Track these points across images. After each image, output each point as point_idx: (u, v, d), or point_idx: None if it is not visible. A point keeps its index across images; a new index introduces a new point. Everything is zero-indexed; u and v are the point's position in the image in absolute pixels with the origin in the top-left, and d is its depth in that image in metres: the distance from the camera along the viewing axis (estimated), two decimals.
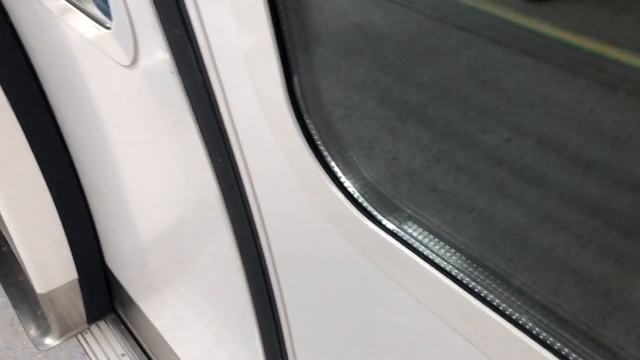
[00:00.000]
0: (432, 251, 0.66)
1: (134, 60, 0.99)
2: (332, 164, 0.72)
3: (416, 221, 0.68)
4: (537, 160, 0.53)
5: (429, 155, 0.65)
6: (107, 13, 1.11)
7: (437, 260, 0.65)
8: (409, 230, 0.68)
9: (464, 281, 0.63)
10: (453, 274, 0.63)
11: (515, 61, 0.51)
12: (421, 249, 0.66)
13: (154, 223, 1.57)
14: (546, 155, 0.53)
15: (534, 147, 0.53)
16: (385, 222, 0.69)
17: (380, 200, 0.70)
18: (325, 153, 0.72)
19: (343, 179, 0.71)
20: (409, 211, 0.69)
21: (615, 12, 0.43)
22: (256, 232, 1.00)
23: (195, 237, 1.33)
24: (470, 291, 0.61)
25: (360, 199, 0.71)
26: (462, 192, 0.63)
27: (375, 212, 0.70)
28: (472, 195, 0.62)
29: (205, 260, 1.35)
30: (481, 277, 0.63)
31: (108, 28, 1.03)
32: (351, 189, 0.72)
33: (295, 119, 0.70)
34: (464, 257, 0.63)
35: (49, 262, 1.99)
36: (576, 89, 0.48)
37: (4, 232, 2.26)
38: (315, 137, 0.72)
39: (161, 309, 1.90)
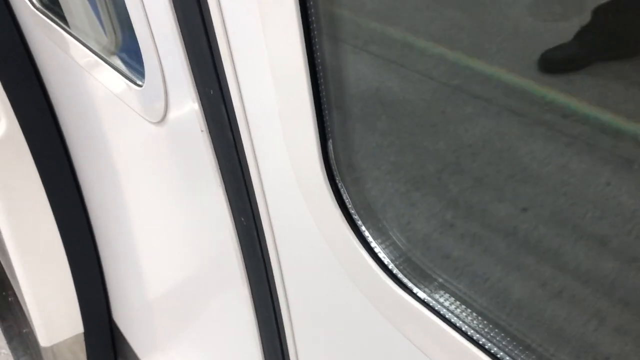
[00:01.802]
0: (465, 322, 0.64)
1: (163, 118, 1.00)
2: (363, 228, 0.72)
3: (448, 290, 0.67)
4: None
5: (462, 223, 0.65)
6: (137, 70, 1.14)
7: (470, 332, 0.63)
8: (441, 300, 0.67)
9: (499, 355, 0.61)
10: (487, 347, 0.62)
11: (530, 131, 0.52)
12: (454, 320, 0.65)
13: (166, 280, 1.55)
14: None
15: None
16: (416, 290, 0.68)
17: (412, 268, 0.69)
18: (357, 217, 0.72)
19: (374, 244, 0.71)
20: (440, 280, 0.68)
21: (631, 86, 0.44)
22: (275, 295, 0.98)
23: (210, 298, 1.31)
24: None
25: (391, 266, 0.70)
26: (497, 259, 0.62)
27: (405, 280, 0.69)
28: (509, 263, 0.61)
29: (218, 322, 1.33)
30: (516, 352, 0.61)
31: (139, 85, 1.05)
32: (382, 254, 0.71)
33: (328, 182, 0.70)
34: (502, 333, 0.62)
35: (55, 315, 1.97)
36: (592, 161, 0.49)
37: (12, 282, 2.24)
38: (347, 202, 0.72)
39: None
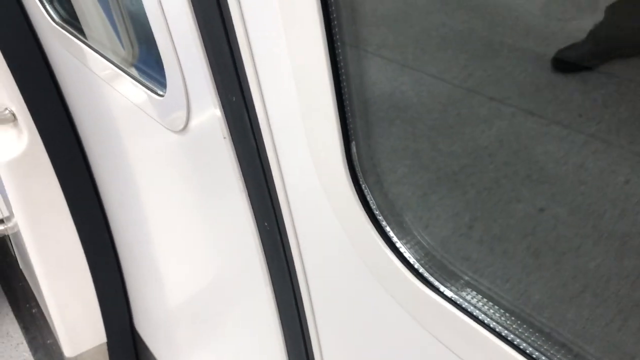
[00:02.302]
0: (493, 319, 0.64)
1: (185, 127, 1.02)
2: (388, 228, 0.72)
3: (475, 288, 0.67)
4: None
5: (482, 222, 0.65)
6: (156, 80, 1.15)
7: (499, 329, 0.63)
8: (468, 298, 0.67)
9: (527, 351, 0.61)
10: (516, 343, 0.62)
11: (546, 131, 0.52)
12: (482, 317, 0.65)
13: (187, 288, 1.56)
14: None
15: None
16: (443, 289, 0.68)
17: (438, 266, 0.69)
18: (381, 217, 0.72)
19: (399, 244, 0.71)
20: (467, 277, 0.68)
21: None
22: (300, 299, 0.99)
23: (233, 304, 1.32)
24: None
25: (417, 265, 0.70)
26: (519, 258, 0.63)
27: (432, 279, 0.69)
28: (535, 257, 0.61)
29: (241, 328, 1.34)
30: (546, 347, 0.61)
31: (160, 95, 1.07)
32: (407, 254, 0.71)
33: (352, 184, 0.70)
34: (529, 327, 0.62)
35: (79, 326, 1.99)
36: (609, 159, 0.49)
37: (36, 294, 2.27)
38: (371, 202, 0.72)
39: None
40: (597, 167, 0.49)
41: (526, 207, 0.57)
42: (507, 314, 0.64)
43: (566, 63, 0.47)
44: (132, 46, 1.33)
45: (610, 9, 0.42)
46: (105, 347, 2.09)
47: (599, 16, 0.43)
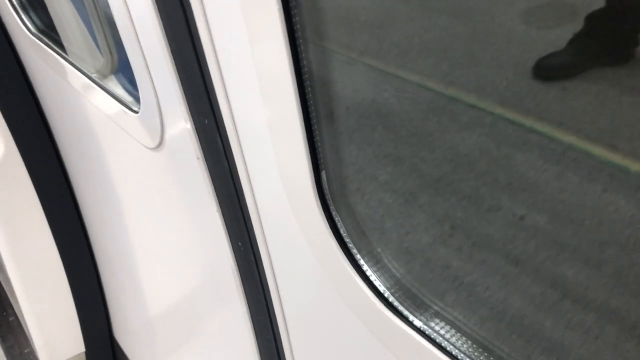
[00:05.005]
0: (460, 350, 0.64)
1: (159, 144, 1.01)
2: (358, 256, 0.72)
3: (444, 318, 0.67)
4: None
5: (460, 250, 0.65)
6: (134, 95, 1.14)
7: None
8: (436, 328, 0.67)
9: None
10: None
11: (526, 139, 0.52)
12: (449, 348, 0.65)
13: (166, 299, 1.55)
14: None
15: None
16: (412, 318, 0.68)
17: (407, 296, 0.69)
18: (351, 245, 0.72)
19: (369, 272, 0.71)
20: (436, 307, 0.68)
21: (626, 92, 0.44)
22: (274, 319, 0.99)
23: (209, 318, 1.31)
24: None
25: (387, 294, 0.70)
26: (497, 288, 0.62)
27: (401, 308, 0.69)
28: (510, 292, 0.61)
29: (218, 342, 1.33)
30: None
31: (135, 111, 1.06)
32: (377, 282, 0.71)
33: (322, 212, 0.70)
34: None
35: (57, 334, 1.97)
36: (589, 167, 0.49)
37: (13, 303, 2.24)
38: (342, 230, 0.72)
39: None
40: (577, 176, 0.49)
41: (506, 215, 0.57)
42: (475, 346, 0.64)
43: (547, 70, 0.47)
44: (111, 54, 1.32)
45: (589, 18, 0.43)
46: (83, 357, 2.07)
47: (579, 25, 0.43)
